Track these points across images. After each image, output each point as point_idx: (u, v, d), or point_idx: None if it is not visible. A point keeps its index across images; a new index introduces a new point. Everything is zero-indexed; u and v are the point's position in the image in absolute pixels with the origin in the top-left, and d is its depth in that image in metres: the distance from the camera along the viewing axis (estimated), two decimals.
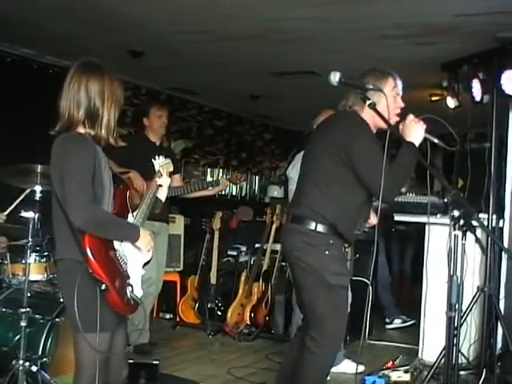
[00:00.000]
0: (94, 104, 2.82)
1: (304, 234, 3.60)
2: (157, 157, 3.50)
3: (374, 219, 4.60)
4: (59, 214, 2.79)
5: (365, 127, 3.56)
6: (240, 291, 6.73)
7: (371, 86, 3.44)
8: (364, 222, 3.83)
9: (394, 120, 3.62)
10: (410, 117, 3.57)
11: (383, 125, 3.52)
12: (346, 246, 3.80)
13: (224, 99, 10.23)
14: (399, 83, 3.74)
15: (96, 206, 2.76)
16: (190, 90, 9.53)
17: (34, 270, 4.51)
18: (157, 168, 3.42)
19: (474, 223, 3.53)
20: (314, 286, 3.60)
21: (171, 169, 3.54)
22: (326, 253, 3.55)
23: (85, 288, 2.71)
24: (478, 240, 3.37)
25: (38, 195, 4.16)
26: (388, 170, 3.37)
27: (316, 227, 3.56)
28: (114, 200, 2.95)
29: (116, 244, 2.87)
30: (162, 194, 3.37)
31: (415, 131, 3.52)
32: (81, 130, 2.85)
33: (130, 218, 3.05)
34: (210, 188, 5.77)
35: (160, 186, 3.36)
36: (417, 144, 3.50)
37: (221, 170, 11.19)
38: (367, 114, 3.57)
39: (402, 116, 3.61)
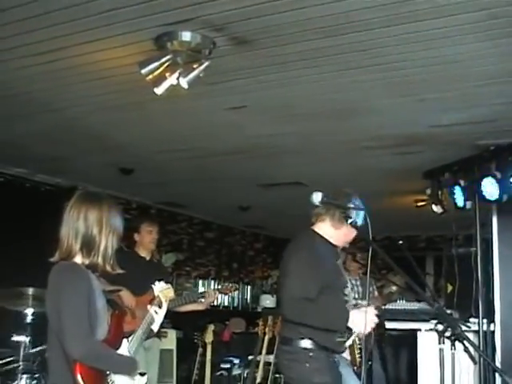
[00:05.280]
0: (92, 232, 2.90)
1: (287, 353, 3.80)
2: (157, 282, 3.44)
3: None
4: (53, 340, 2.81)
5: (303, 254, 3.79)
6: None
7: (352, 205, 3.55)
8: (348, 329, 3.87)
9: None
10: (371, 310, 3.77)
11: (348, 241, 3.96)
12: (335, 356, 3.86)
13: (213, 211, 10.35)
14: None
15: (93, 340, 2.78)
16: (179, 204, 9.67)
17: None
18: (156, 293, 3.37)
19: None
20: None
21: (172, 294, 3.48)
22: (307, 365, 3.69)
23: None
24: (467, 350, 3.37)
25: (29, 318, 4.17)
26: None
27: (298, 344, 3.73)
28: (109, 325, 2.97)
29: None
30: (157, 322, 3.30)
31: (362, 325, 3.67)
32: (77, 259, 2.91)
33: (125, 344, 3.05)
34: (201, 301, 5.77)
35: (156, 313, 3.30)
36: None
37: (212, 281, 11.16)
38: (338, 231, 3.88)
39: None
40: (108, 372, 2.86)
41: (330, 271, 3.83)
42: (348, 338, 3.79)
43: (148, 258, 5.93)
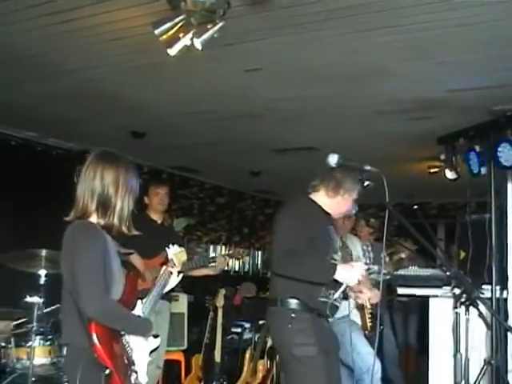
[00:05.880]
0: (108, 192, 2.88)
1: (272, 313, 3.92)
2: (171, 245, 3.43)
3: (375, 295, 4.87)
4: (68, 300, 2.81)
5: (293, 212, 3.91)
6: (245, 369, 6.64)
7: (369, 168, 3.51)
8: (331, 289, 3.89)
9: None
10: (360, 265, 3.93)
11: (347, 211, 4.09)
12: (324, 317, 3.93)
13: (225, 176, 10.35)
14: None
15: (108, 299, 2.79)
16: (191, 169, 9.66)
17: (38, 353, 4.47)
18: (170, 256, 3.36)
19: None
20: (284, 359, 3.92)
21: (185, 258, 3.47)
22: (289, 326, 3.75)
23: (90, 373, 2.70)
24: (481, 315, 3.36)
25: (42, 279, 4.18)
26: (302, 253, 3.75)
27: (283, 304, 3.81)
28: (124, 286, 2.96)
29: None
30: (171, 284, 3.32)
31: (349, 276, 3.76)
32: (93, 218, 2.89)
33: (139, 305, 3.05)
34: (212, 265, 5.77)
35: (171, 273, 3.31)
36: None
37: (223, 247, 11.19)
38: (332, 199, 3.98)
39: None
40: (123, 332, 2.87)
41: (318, 231, 3.92)
42: (335, 293, 3.86)
43: (159, 222, 5.92)
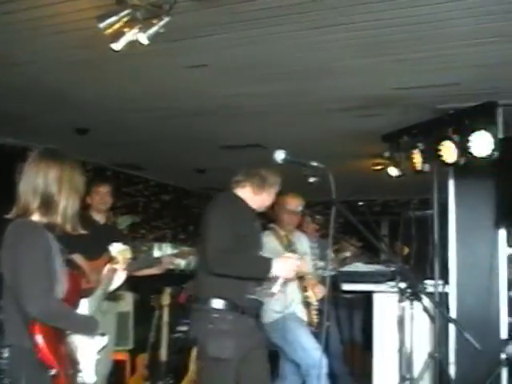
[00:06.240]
0: (51, 190, 2.81)
1: (196, 311, 3.94)
2: (114, 243, 3.34)
3: (320, 290, 5.06)
4: (9, 300, 2.74)
5: (220, 210, 3.94)
6: (191, 367, 6.60)
7: (315, 164, 3.52)
8: (258, 286, 3.92)
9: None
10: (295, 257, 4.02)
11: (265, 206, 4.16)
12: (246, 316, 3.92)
13: (170, 173, 10.28)
14: None
15: (52, 298, 2.72)
16: (136, 166, 9.57)
17: None
18: (113, 254, 3.28)
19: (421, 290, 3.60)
20: (200, 357, 4.00)
21: (129, 255, 3.38)
22: (210, 326, 3.77)
23: (34, 374, 2.64)
24: (425, 309, 3.41)
25: None
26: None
27: (208, 303, 3.82)
28: (67, 285, 2.90)
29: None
30: (116, 283, 3.24)
31: (285, 269, 3.82)
32: (35, 217, 2.82)
33: (84, 303, 3.00)
34: (157, 266, 5.74)
35: (115, 271, 3.23)
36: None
37: (169, 244, 11.12)
38: (258, 196, 4.07)
39: None
40: (68, 332, 2.81)
41: (248, 228, 3.98)
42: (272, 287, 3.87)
43: (102, 222, 5.83)
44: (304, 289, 5.34)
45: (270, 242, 5.18)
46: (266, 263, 3.82)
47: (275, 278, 3.82)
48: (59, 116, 6.70)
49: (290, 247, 5.30)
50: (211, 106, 6.28)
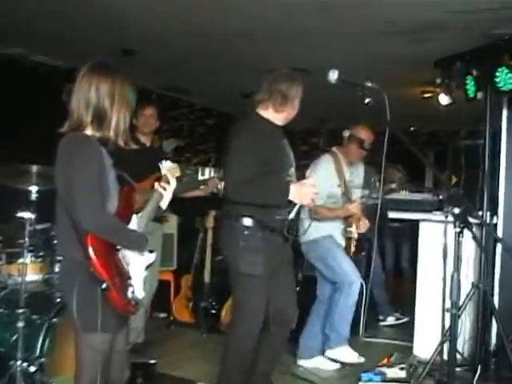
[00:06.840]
0: (103, 105, 2.80)
1: (227, 228, 3.99)
2: (163, 161, 3.38)
3: (365, 224, 5.19)
4: (62, 214, 2.77)
5: (246, 135, 3.93)
6: None
7: (370, 84, 3.44)
8: (288, 207, 3.92)
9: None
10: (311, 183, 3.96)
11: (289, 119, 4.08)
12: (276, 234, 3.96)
13: (215, 98, 10.22)
14: None
15: (105, 212, 2.76)
16: (181, 89, 9.52)
17: (30, 269, 4.46)
18: (163, 172, 3.32)
19: (471, 220, 3.55)
20: (232, 273, 3.99)
21: (178, 173, 3.42)
22: (241, 243, 3.84)
23: (86, 287, 2.69)
24: (475, 237, 3.37)
25: (33, 195, 4.13)
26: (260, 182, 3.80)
27: (238, 221, 3.87)
28: (119, 200, 2.92)
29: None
30: (166, 200, 3.28)
31: (301, 195, 3.84)
32: (88, 131, 2.82)
33: (135, 219, 3.02)
34: (202, 187, 5.75)
35: (165, 189, 3.27)
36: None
37: (212, 168, 11.17)
38: (281, 113, 4.02)
39: None
40: (119, 247, 2.84)
41: (273, 150, 3.95)
42: (290, 212, 3.90)
43: (148, 144, 5.84)
44: (349, 223, 5.31)
45: (326, 169, 5.22)
46: (284, 189, 3.84)
47: (292, 204, 3.87)
48: (104, 36, 6.64)
49: (344, 181, 5.27)
50: (256, 26, 6.13)
